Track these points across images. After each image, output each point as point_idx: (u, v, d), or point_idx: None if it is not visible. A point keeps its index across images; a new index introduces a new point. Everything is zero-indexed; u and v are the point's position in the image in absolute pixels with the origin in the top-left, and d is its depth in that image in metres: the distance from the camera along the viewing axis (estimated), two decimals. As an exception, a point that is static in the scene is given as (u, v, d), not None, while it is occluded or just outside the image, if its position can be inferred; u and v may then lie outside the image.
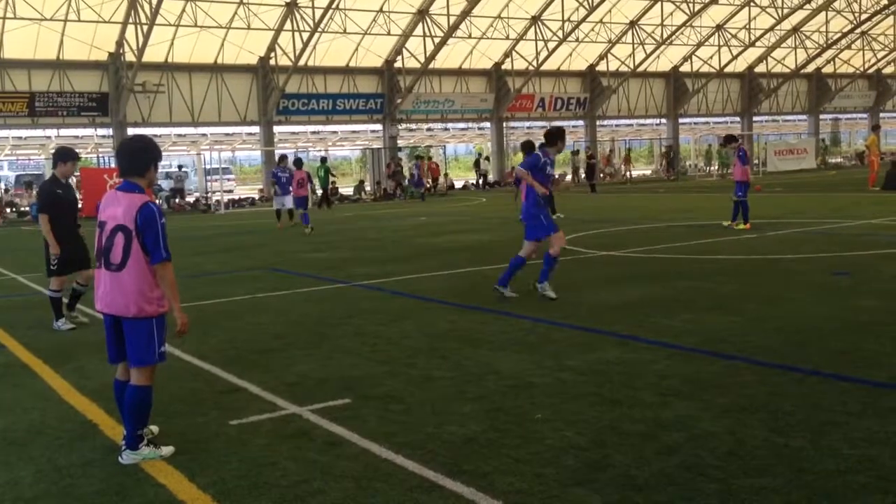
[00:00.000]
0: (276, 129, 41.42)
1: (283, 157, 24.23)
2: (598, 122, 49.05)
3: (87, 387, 6.56)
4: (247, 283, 12.06)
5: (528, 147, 11.49)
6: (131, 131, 36.67)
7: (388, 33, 38.81)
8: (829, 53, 52.68)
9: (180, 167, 42.54)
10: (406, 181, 40.75)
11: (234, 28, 35.46)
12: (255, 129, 41.37)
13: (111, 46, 34.57)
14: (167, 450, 4.90)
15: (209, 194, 39.32)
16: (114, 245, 4.83)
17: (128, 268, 4.80)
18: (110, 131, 36.43)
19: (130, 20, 32.65)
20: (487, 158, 47.21)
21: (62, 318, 9.06)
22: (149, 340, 4.86)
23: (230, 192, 44.21)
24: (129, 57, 33.91)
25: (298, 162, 22.99)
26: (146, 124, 37.26)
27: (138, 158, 5.01)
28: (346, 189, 43.45)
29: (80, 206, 10.03)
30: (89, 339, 8.31)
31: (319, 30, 35.59)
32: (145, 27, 32.08)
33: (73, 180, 10.54)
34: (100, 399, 6.08)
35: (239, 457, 4.82)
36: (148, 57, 33.77)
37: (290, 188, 22.46)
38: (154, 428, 5.22)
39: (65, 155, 8.98)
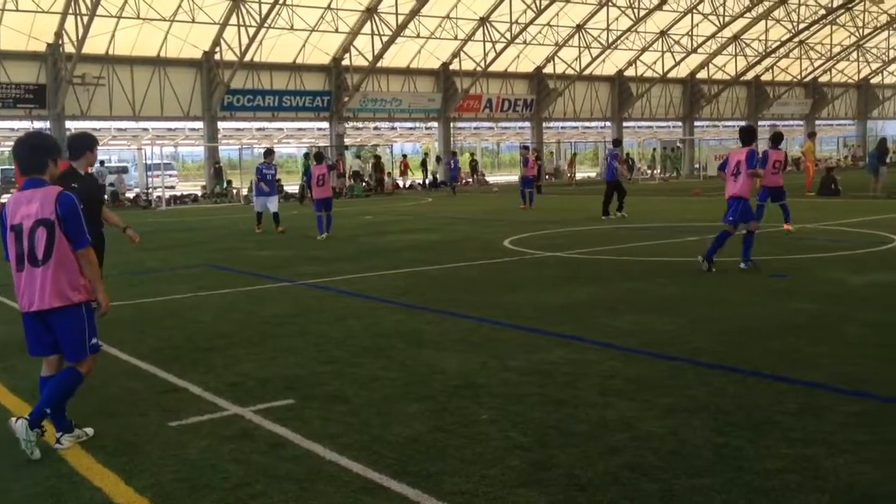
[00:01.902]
0: (221, 124, 40.82)
1: (270, 152, 21.05)
2: (544, 124, 49.44)
3: (19, 387, 6.37)
4: (189, 281, 11.86)
5: (748, 134, 11.47)
6: (70, 125, 35.82)
7: (336, 31, 38.56)
8: (767, 61, 53.91)
9: (102, 163, 41.38)
10: (365, 180, 40.61)
11: (178, 21, 34.83)
12: (199, 124, 40.70)
13: (50, 37, 33.67)
14: (37, 454, 4.76)
15: (150, 190, 38.57)
16: (36, 241, 4.79)
17: (53, 259, 4.79)
18: (48, 124, 35.46)
19: (70, 10, 31.88)
20: (438, 159, 47.25)
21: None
22: (82, 331, 4.89)
23: (172, 188, 43.43)
24: (69, 48, 33.11)
25: (319, 156, 19.32)
26: (85, 117, 36.39)
27: (36, 156, 4.96)
28: (292, 187, 43.02)
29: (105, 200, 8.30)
30: (21, 339, 8.06)
31: (266, 25, 35.21)
32: (86, 18, 31.36)
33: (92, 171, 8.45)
34: (33, 400, 5.88)
35: (178, 459, 4.72)
36: (88, 48, 33.00)
37: (275, 187, 20.37)
38: (89, 430, 5.09)
39: (94, 141, 7.31)
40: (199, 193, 39.92)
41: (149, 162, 42.06)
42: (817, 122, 59.48)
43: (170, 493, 4.26)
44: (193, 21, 34.91)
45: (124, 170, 47.55)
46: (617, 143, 23.44)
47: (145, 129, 44.10)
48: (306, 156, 38.39)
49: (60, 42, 33.48)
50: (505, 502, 4.01)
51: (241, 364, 6.85)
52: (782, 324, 7.80)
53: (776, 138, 16.76)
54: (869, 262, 11.70)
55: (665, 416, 5.17)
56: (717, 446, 4.63)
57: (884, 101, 63.62)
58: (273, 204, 19.77)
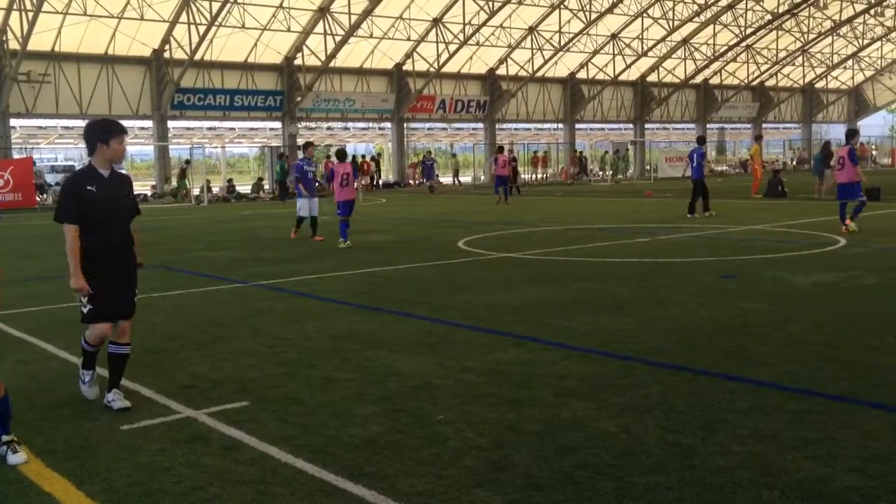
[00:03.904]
0: (171, 123, 40.23)
1: (310, 145, 18.23)
2: (497, 126, 49.66)
3: None
4: (139, 282, 11.63)
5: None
6: (14, 122, 34.99)
7: (289, 30, 38.26)
8: (716, 65, 54.82)
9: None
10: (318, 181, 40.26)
11: (127, 18, 34.24)
12: (148, 123, 40.05)
13: (-7, 33, 32.91)
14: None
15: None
16: None
17: None
18: (-9, 122, 34.65)
19: (15, 6, 31.11)
20: (373, 158, 47.17)
21: (91, 372, 5.88)
22: None
23: (120, 187, 42.57)
24: (13, 45, 32.32)
25: (342, 154, 16.99)
26: (30, 115, 35.66)
27: None
28: (244, 187, 42.64)
29: (137, 209, 5.99)
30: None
31: (216, 23, 34.79)
32: (31, 14, 30.66)
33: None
34: None
35: (130, 463, 4.65)
36: (33, 45, 32.26)
37: (328, 186, 17.69)
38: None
39: (104, 130, 5.54)
40: (149, 193, 39.27)
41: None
42: (764, 126, 60.73)
43: (122, 497, 4.20)
44: (142, 18, 34.35)
45: (71, 169, 46.64)
46: (702, 140, 22.58)
47: (93, 128, 43.23)
48: (281, 156, 38.01)
49: (4, 38, 32.67)
50: (462, 502, 4.03)
51: (193, 366, 6.77)
52: (731, 323, 7.95)
53: (851, 134, 16.69)
54: (814, 263, 11.98)
55: (618, 415, 5.24)
56: (670, 444, 4.71)
57: (828, 105, 65.12)
58: (315, 207, 17.30)
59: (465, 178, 51.17)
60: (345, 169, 16.17)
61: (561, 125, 53.20)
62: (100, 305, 5.60)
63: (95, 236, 5.49)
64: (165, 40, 36.22)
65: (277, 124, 43.07)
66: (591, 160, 53.13)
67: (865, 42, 57.83)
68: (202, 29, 34.68)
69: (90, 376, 5.88)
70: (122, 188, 5.71)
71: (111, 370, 5.80)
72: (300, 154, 18.01)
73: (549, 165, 53.09)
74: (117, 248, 5.66)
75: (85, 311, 5.62)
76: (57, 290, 11.15)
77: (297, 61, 40.24)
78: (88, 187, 5.48)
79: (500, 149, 31.57)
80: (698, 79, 55.56)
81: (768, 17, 49.81)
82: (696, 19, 48.57)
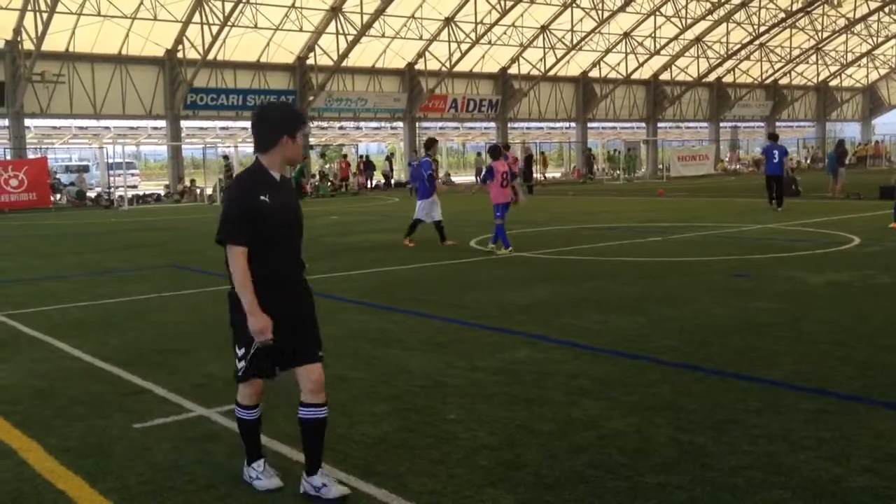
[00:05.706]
0: (184, 123, 40.39)
1: (433, 142, 16.02)
2: (509, 125, 49.60)
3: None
4: (152, 282, 11.72)
5: None
6: (29, 122, 35.19)
7: (301, 29, 38.34)
8: (729, 63, 54.55)
9: None
10: (330, 180, 40.34)
11: (140, 19, 34.40)
12: (161, 123, 40.20)
13: (8, 34, 33.04)
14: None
15: (112, 189, 38.03)
16: None
17: None
18: (6, 122, 34.85)
19: (29, 7, 31.30)
20: (388, 159, 47.27)
21: (260, 462, 4.29)
22: None
23: (134, 187, 42.87)
24: (28, 45, 32.52)
25: (497, 150, 15.27)
26: (45, 115, 35.85)
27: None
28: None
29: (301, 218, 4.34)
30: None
31: (229, 24, 34.89)
32: (45, 15, 30.84)
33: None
34: (-7, 402, 5.80)
35: (143, 461, 4.68)
36: (47, 46, 32.45)
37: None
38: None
39: (294, 120, 4.20)
40: (162, 193, 39.41)
41: (110, 161, 41.50)
42: (777, 124, 60.35)
43: (135, 495, 4.22)
44: (155, 19, 34.49)
45: (85, 169, 46.84)
46: (775, 137, 23.28)
47: (107, 128, 43.53)
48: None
49: (19, 39, 32.87)
50: (473, 502, 4.03)
51: (205, 365, 6.79)
52: (744, 323, 7.91)
53: None
54: (828, 263, 11.92)
55: (630, 415, 5.23)
56: (682, 444, 4.69)
57: (842, 104, 64.70)
58: (436, 211, 15.44)
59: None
60: (503, 167, 14.44)
61: (573, 124, 53.09)
62: (261, 358, 4.07)
63: (265, 260, 4.05)
64: (178, 40, 36.36)
65: (290, 124, 43.08)
66: (601, 159, 53.03)
67: (880, 40, 57.41)
68: (215, 29, 34.78)
69: (263, 467, 4.28)
70: (294, 195, 4.32)
71: (306, 444, 4.18)
72: (423, 151, 16.16)
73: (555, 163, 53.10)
74: (292, 276, 4.19)
75: (242, 363, 4.11)
76: (70, 290, 11.23)
77: (310, 61, 40.31)
78: (262, 197, 4.05)
79: (507, 147, 31.68)
80: (711, 77, 55.31)
81: (782, 15, 49.52)
82: (709, 17, 48.35)
